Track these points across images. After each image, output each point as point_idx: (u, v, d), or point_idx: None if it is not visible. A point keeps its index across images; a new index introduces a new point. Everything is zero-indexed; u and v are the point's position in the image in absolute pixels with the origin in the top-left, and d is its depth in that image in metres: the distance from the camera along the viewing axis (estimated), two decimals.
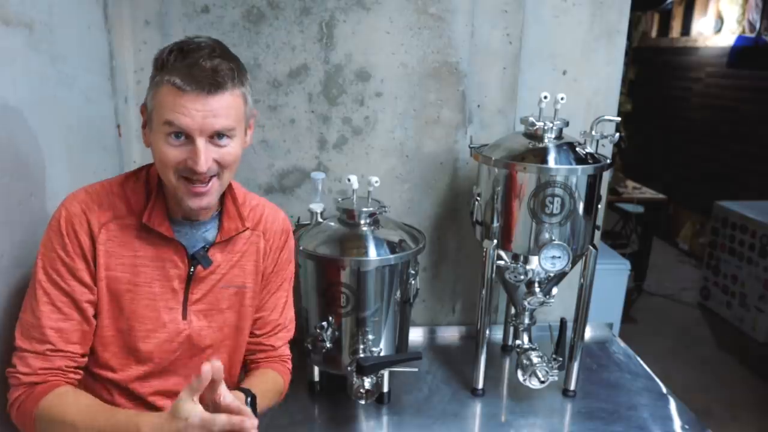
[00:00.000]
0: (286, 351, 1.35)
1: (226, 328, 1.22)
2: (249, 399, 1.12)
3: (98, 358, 1.13)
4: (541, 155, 1.48)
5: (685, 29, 6.07)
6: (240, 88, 1.03)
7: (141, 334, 1.13)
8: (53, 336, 1.06)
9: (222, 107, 1.00)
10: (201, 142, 1.00)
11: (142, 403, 1.17)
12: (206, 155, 1.01)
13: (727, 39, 5.38)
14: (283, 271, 1.31)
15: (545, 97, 1.50)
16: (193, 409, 0.91)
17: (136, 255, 1.10)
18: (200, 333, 1.18)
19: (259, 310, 1.29)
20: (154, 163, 1.10)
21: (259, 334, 1.30)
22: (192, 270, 1.14)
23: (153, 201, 1.10)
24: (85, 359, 1.12)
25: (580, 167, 1.46)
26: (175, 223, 1.13)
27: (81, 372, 1.11)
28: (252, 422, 0.95)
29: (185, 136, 1.00)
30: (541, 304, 1.56)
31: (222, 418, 0.91)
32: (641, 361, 1.86)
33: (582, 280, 1.61)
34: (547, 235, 1.48)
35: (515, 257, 1.55)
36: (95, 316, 1.11)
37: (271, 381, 1.28)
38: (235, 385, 1.21)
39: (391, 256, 1.48)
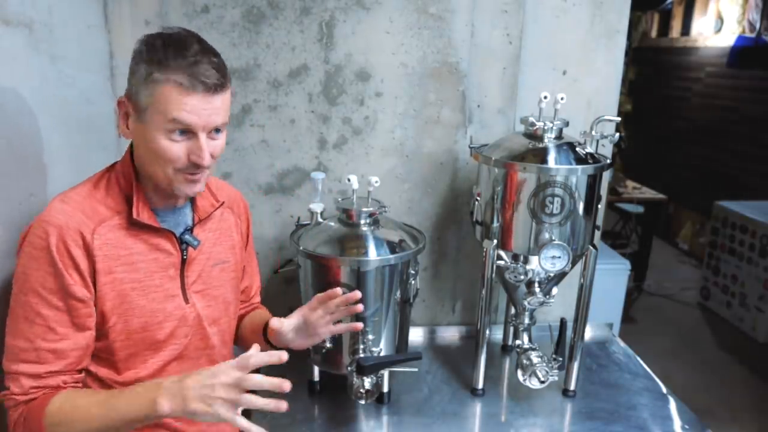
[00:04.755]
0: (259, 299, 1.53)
1: (221, 304, 1.29)
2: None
3: (108, 363, 1.14)
4: (541, 155, 1.48)
5: (685, 29, 6.07)
6: (230, 84, 1.10)
7: (154, 327, 1.15)
8: (50, 357, 1.04)
9: (222, 105, 1.06)
10: (203, 138, 1.05)
11: None
12: (207, 150, 1.06)
13: (727, 39, 5.38)
14: (251, 239, 1.44)
15: (545, 97, 1.50)
16: (223, 364, 0.98)
17: (132, 252, 1.11)
18: (203, 313, 1.24)
19: (243, 280, 1.42)
20: (118, 162, 1.15)
21: (247, 299, 1.47)
22: (184, 254, 1.19)
23: (137, 196, 1.11)
24: (82, 374, 1.12)
25: (580, 167, 1.46)
26: (157, 213, 1.16)
27: (80, 384, 1.11)
28: (288, 384, 0.98)
29: (187, 133, 1.04)
30: (541, 304, 1.56)
31: (256, 379, 0.96)
32: (641, 361, 1.86)
33: (582, 280, 1.61)
34: (547, 235, 1.48)
35: (515, 257, 1.55)
36: (102, 326, 1.11)
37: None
38: (231, 355, 1.33)
39: (391, 256, 1.48)
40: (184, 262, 1.19)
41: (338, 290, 1.25)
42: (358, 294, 1.26)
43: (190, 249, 1.20)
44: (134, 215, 1.10)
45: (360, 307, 1.26)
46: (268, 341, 1.32)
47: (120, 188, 1.12)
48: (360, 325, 1.30)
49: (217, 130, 1.08)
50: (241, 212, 1.38)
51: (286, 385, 0.98)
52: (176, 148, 1.05)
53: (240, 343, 1.44)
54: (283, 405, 0.99)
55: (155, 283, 1.15)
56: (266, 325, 1.32)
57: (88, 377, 1.13)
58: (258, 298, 1.52)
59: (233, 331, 1.38)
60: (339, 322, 1.31)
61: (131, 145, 1.14)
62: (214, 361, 1.27)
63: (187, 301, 1.20)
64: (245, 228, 1.40)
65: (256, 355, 0.99)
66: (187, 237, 1.19)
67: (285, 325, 1.25)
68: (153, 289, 1.14)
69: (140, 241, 1.12)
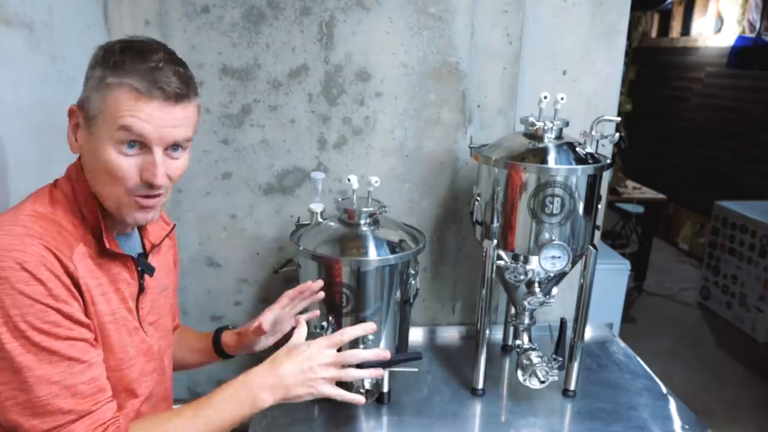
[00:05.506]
0: None
1: (167, 333, 1.21)
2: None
3: None
4: (541, 155, 1.48)
5: (685, 29, 6.07)
6: (197, 98, 0.99)
7: (126, 365, 1.03)
8: (88, 389, 0.90)
9: (183, 117, 0.95)
10: (158, 153, 0.93)
11: None
12: (163, 168, 0.94)
13: (727, 39, 5.38)
14: (177, 261, 1.33)
15: (545, 97, 1.50)
16: (314, 344, 1.03)
17: (101, 283, 0.98)
18: (159, 344, 1.14)
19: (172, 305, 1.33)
20: (61, 180, 1.02)
21: (173, 322, 1.36)
22: (142, 283, 1.08)
23: (103, 223, 0.99)
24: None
25: (580, 167, 1.46)
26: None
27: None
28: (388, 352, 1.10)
29: (140, 146, 0.93)
30: (541, 304, 1.56)
31: (360, 354, 1.04)
32: (641, 361, 1.86)
33: (582, 280, 1.61)
34: (547, 235, 1.48)
35: (515, 257, 1.55)
36: None
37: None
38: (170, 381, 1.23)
39: (391, 256, 1.48)
40: (140, 291, 1.08)
41: (309, 284, 1.31)
42: (320, 283, 1.34)
43: (147, 277, 1.09)
44: (107, 245, 0.97)
45: (321, 294, 1.33)
46: (221, 353, 1.34)
47: (75, 211, 0.98)
48: (316, 313, 1.24)
49: (176, 147, 0.96)
50: (172, 234, 1.27)
51: (386, 353, 1.09)
52: (127, 164, 0.92)
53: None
54: (380, 372, 1.09)
55: (123, 315, 1.03)
56: (216, 337, 1.34)
57: None
58: (178, 319, 1.43)
59: None
60: (304, 311, 1.35)
61: (79, 166, 1.01)
62: (169, 396, 1.20)
63: (147, 334, 1.09)
64: (174, 249, 1.30)
65: (349, 330, 1.07)
66: (144, 264, 1.08)
67: (264, 324, 1.26)
68: (122, 322, 1.02)
69: (104, 271, 0.99)
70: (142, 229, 1.14)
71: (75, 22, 1.47)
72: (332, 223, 1.57)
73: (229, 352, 1.34)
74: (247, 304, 1.98)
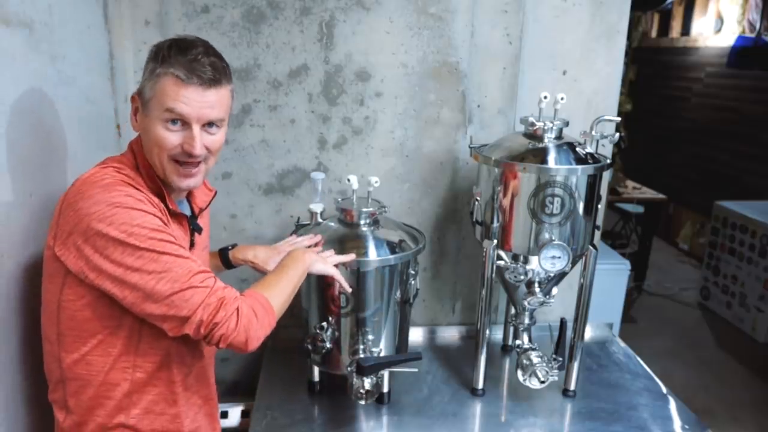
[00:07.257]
0: None
1: None
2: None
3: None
4: (541, 155, 1.48)
5: (685, 29, 6.07)
6: (230, 84, 1.18)
7: None
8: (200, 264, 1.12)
9: (216, 100, 1.13)
10: (197, 129, 1.12)
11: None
12: (200, 140, 1.13)
13: (727, 39, 5.38)
14: None
15: (545, 97, 1.50)
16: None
17: (173, 235, 1.15)
18: None
19: None
20: (122, 156, 1.20)
21: None
22: (193, 239, 1.27)
23: (166, 188, 1.18)
24: None
25: (580, 167, 1.46)
26: None
27: None
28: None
29: (182, 123, 1.12)
30: (541, 304, 1.56)
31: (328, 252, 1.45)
32: (641, 361, 1.86)
33: (582, 280, 1.61)
34: (547, 235, 1.48)
35: (515, 257, 1.55)
36: None
37: None
38: None
39: (391, 256, 1.48)
40: (191, 247, 1.27)
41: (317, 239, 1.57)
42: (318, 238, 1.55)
43: (196, 235, 1.28)
44: (169, 204, 1.17)
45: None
46: (228, 266, 1.56)
47: (140, 178, 1.16)
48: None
49: (211, 124, 1.14)
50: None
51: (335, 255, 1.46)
52: (171, 137, 1.12)
53: None
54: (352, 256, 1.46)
55: None
56: (224, 256, 1.55)
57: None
58: None
59: None
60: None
61: (140, 142, 1.19)
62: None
63: None
64: (208, 215, 1.47)
65: (330, 255, 1.43)
66: (195, 224, 1.28)
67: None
68: None
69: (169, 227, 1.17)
70: (190, 195, 1.32)
71: (75, 22, 1.47)
72: (332, 224, 1.57)
73: (237, 266, 1.57)
74: None
